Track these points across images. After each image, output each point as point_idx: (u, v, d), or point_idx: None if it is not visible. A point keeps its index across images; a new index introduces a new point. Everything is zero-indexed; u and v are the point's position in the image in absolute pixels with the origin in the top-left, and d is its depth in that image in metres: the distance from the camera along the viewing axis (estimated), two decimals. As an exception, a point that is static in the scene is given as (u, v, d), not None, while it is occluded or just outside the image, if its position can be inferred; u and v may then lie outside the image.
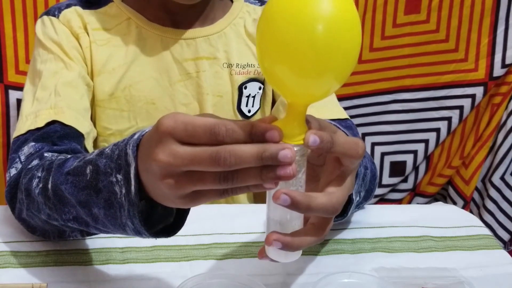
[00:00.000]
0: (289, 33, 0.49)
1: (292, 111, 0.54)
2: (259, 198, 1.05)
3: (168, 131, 0.52)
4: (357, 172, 0.69)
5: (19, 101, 1.27)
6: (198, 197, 0.54)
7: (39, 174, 0.69)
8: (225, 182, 0.51)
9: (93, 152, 0.64)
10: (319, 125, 0.56)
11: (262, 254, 0.58)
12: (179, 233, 0.79)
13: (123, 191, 0.58)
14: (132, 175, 0.57)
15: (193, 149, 0.51)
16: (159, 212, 0.61)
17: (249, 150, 0.50)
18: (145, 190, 0.57)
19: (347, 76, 0.53)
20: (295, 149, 0.52)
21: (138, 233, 0.60)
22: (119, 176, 0.58)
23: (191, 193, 0.53)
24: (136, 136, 0.58)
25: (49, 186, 0.66)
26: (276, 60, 0.51)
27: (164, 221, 0.62)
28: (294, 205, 0.53)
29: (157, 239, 0.62)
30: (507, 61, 1.45)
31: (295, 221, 0.57)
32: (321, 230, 0.58)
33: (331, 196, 0.56)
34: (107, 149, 0.61)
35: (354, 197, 0.69)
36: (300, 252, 0.59)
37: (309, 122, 0.55)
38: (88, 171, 0.62)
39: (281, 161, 0.50)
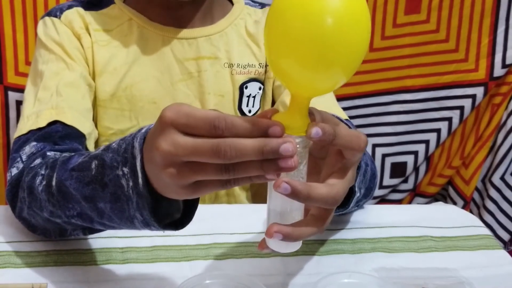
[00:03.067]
0: (297, 26, 0.49)
1: (295, 103, 0.54)
2: (259, 198, 1.05)
3: (170, 121, 0.52)
4: (359, 166, 0.69)
5: (18, 102, 1.27)
6: (200, 187, 0.54)
7: (43, 172, 0.70)
8: (227, 173, 0.51)
9: (98, 148, 0.65)
10: (321, 117, 0.56)
11: (262, 246, 0.59)
12: (179, 233, 0.79)
13: (130, 184, 0.58)
14: (138, 168, 0.57)
15: (195, 140, 0.51)
16: (164, 207, 0.62)
17: (250, 144, 0.50)
18: (150, 183, 0.58)
19: (354, 70, 0.54)
20: (297, 140, 0.53)
21: (147, 225, 0.61)
22: (126, 169, 0.58)
23: (193, 184, 0.54)
24: (143, 130, 0.59)
25: (53, 183, 0.67)
26: (283, 52, 0.51)
27: (170, 217, 0.63)
28: (294, 194, 0.53)
29: (165, 231, 0.62)
30: (508, 61, 1.45)
31: (296, 212, 0.58)
32: (321, 222, 0.58)
33: (331, 187, 0.56)
34: (113, 144, 0.62)
35: (356, 189, 0.70)
36: (301, 242, 0.59)
37: (311, 114, 0.56)
38: (93, 166, 0.62)
39: (283, 155, 0.50)
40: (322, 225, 0.58)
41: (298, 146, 0.53)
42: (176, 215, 0.63)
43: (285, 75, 0.53)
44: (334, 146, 0.57)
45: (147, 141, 0.57)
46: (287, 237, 0.56)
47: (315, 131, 0.53)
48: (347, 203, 0.70)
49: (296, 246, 0.59)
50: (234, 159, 0.50)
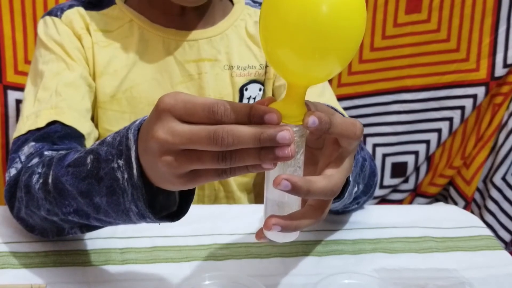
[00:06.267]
0: (292, 14, 0.50)
1: (292, 92, 0.55)
2: (259, 198, 1.04)
3: (167, 109, 0.52)
4: (356, 158, 0.69)
5: (18, 102, 1.27)
6: (196, 177, 0.54)
7: (39, 170, 0.70)
8: (223, 162, 0.51)
9: (94, 143, 0.65)
10: (316, 108, 0.57)
11: (260, 235, 0.59)
12: (178, 233, 0.79)
13: (125, 176, 0.58)
14: (133, 159, 0.57)
15: (192, 127, 0.51)
16: (160, 201, 0.62)
17: (247, 131, 0.50)
18: (145, 175, 0.57)
19: (350, 59, 0.54)
20: (294, 129, 0.53)
21: (142, 218, 0.60)
22: (121, 162, 0.58)
23: (189, 173, 0.54)
24: (138, 122, 0.58)
25: (50, 180, 0.67)
26: (278, 41, 0.52)
27: (166, 210, 0.63)
28: (294, 190, 0.53)
29: (160, 224, 0.62)
30: (509, 61, 1.45)
31: (293, 201, 0.58)
32: (319, 212, 0.58)
33: (330, 178, 0.56)
34: (108, 138, 0.62)
35: (352, 183, 0.70)
36: (298, 232, 0.59)
37: (307, 104, 0.56)
38: (88, 160, 0.62)
39: (280, 143, 0.50)
40: (320, 215, 0.58)
41: (295, 135, 0.53)
42: (172, 208, 0.63)
43: (281, 64, 0.53)
44: (329, 135, 0.57)
45: (142, 131, 0.56)
46: (285, 229, 0.56)
47: (312, 120, 0.53)
48: (342, 194, 0.69)
49: (293, 236, 0.59)
50: (231, 146, 0.50)
